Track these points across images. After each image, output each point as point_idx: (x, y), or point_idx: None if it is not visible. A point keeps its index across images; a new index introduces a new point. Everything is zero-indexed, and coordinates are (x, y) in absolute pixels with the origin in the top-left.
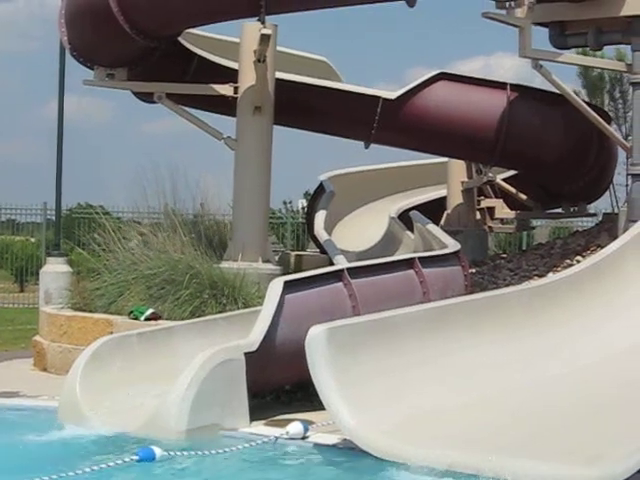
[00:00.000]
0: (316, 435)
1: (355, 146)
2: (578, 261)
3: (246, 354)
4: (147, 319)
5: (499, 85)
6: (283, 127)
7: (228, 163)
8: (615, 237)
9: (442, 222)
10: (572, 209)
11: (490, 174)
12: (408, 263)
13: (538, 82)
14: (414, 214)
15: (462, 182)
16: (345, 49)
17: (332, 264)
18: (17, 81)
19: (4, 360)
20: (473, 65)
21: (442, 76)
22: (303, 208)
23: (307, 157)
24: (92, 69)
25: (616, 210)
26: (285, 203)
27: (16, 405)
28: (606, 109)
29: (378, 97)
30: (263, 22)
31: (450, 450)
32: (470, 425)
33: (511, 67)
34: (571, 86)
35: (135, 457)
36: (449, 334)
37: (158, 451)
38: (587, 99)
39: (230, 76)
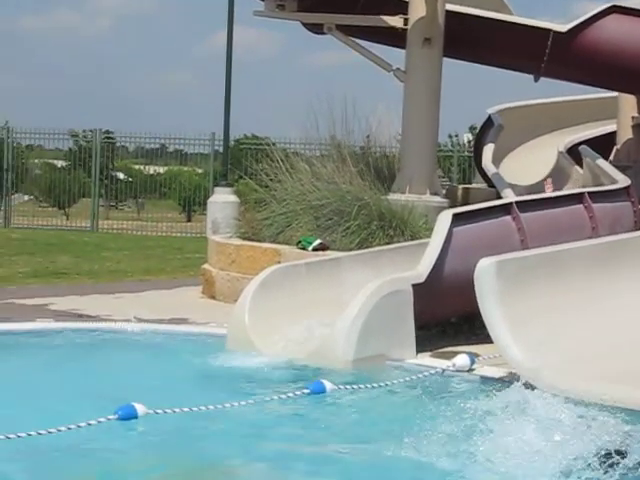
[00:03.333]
0: (482, 368)
1: (524, 79)
2: None
3: (414, 285)
4: (315, 249)
5: None
6: (452, 59)
7: (398, 95)
8: None
9: (611, 157)
10: None
11: None
12: (577, 198)
13: None
14: (583, 149)
15: (632, 117)
16: None
17: (500, 198)
18: (185, 13)
19: (173, 287)
20: None
21: (614, 9)
22: (469, 141)
23: (472, 90)
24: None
25: None
26: (450, 137)
27: (185, 331)
28: None
29: (549, 30)
30: None
31: (626, 387)
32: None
33: None
34: None
35: (306, 390)
36: (616, 272)
37: (329, 385)
38: None
39: (400, 8)
